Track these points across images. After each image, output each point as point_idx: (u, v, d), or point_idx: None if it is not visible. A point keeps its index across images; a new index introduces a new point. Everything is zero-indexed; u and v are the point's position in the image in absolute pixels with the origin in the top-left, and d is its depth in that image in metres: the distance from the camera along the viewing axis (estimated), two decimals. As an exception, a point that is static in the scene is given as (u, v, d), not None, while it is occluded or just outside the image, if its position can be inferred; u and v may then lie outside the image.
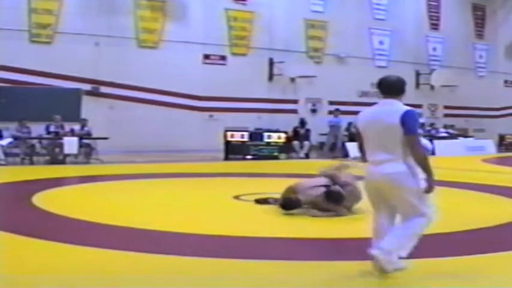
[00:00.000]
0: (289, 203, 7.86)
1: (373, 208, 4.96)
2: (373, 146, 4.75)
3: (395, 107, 4.68)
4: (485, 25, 29.45)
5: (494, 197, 10.03)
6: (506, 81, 30.44)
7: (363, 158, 4.97)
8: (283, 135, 19.33)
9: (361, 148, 4.96)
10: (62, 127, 16.67)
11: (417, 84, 26.51)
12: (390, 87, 4.80)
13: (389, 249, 4.64)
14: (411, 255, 5.10)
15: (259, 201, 8.71)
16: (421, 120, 24.00)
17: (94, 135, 16.91)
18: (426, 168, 4.59)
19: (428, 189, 4.62)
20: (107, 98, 19.60)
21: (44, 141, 16.48)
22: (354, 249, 5.97)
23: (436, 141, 21.06)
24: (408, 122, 4.58)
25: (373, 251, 4.69)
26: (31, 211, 8.08)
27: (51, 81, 18.73)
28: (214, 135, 18.85)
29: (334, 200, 7.76)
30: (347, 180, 8.00)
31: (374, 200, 4.90)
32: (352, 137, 21.05)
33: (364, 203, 8.67)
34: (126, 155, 17.36)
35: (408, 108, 4.68)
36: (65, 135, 16.38)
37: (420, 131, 22.12)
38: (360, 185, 5.22)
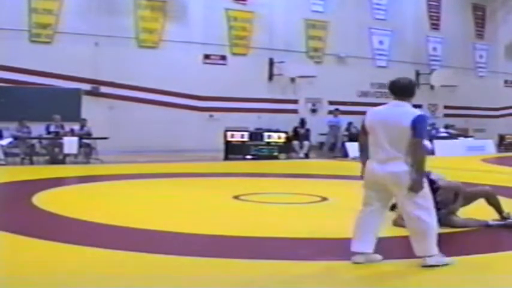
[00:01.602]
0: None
1: (364, 205, 5.20)
2: (379, 145, 4.96)
3: (407, 110, 4.94)
4: (486, 25, 29.44)
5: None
6: (506, 81, 30.44)
7: (363, 155, 5.21)
8: (283, 135, 19.32)
9: (363, 146, 5.19)
10: (62, 127, 16.67)
11: (417, 84, 26.49)
12: (402, 90, 5.04)
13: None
14: (411, 255, 5.11)
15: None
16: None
17: (94, 135, 16.90)
18: (420, 168, 4.88)
19: (413, 186, 4.87)
20: (106, 98, 19.59)
21: (44, 141, 16.47)
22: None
23: (436, 141, 21.04)
24: (419, 126, 4.85)
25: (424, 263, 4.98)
26: (31, 211, 8.08)
27: (51, 81, 18.72)
28: (214, 135, 18.84)
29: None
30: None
31: (369, 196, 5.16)
32: (352, 137, 21.07)
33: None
34: (126, 155, 17.35)
35: (420, 112, 4.98)
36: (65, 135, 16.38)
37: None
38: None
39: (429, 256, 4.94)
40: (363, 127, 5.15)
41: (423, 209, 4.94)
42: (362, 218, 5.21)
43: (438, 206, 5.95)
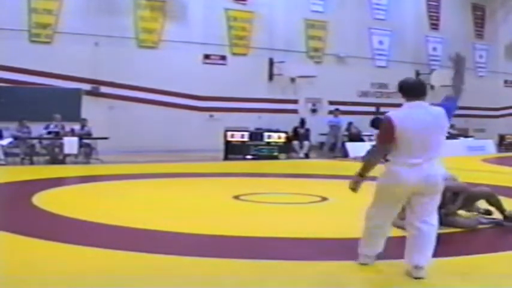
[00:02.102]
0: None
1: (382, 210, 4.89)
2: (414, 149, 4.66)
3: (436, 109, 4.79)
4: (485, 25, 29.44)
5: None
6: (506, 81, 30.43)
7: (377, 160, 4.88)
8: (283, 135, 19.32)
9: (383, 152, 4.83)
10: (63, 127, 16.66)
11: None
12: (421, 89, 4.88)
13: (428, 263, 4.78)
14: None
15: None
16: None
17: (94, 135, 16.90)
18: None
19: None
20: (106, 98, 19.59)
21: (44, 141, 16.47)
22: (354, 249, 5.98)
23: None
24: (449, 121, 4.82)
25: (421, 274, 4.74)
26: (31, 211, 8.08)
27: (51, 81, 18.72)
28: (214, 135, 18.84)
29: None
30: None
31: (391, 202, 4.84)
32: (352, 137, 21.09)
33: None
34: (126, 155, 17.35)
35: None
36: (65, 135, 16.38)
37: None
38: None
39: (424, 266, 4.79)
40: (391, 134, 4.67)
41: (436, 215, 4.86)
42: (378, 234, 5.03)
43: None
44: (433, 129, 4.68)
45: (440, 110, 4.76)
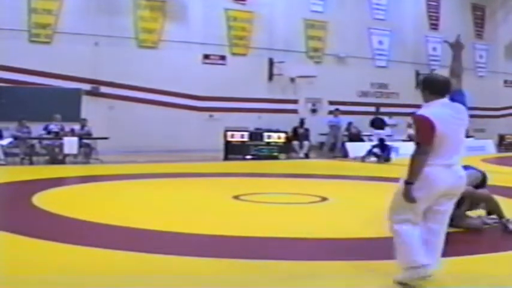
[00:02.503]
0: None
1: (418, 216, 4.49)
2: (451, 149, 4.43)
3: (459, 106, 4.55)
4: (485, 25, 29.45)
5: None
6: (506, 81, 30.44)
7: (423, 164, 4.41)
8: (283, 135, 19.31)
9: (429, 152, 4.38)
10: (62, 127, 16.66)
11: (417, 84, 26.46)
12: (449, 87, 4.58)
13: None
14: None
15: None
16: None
17: (94, 135, 16.90)
18: None
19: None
20: (106, 98, 19.59)
21: (44, 141, 16.47)
22: (354, 249, 5.98)
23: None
24: None
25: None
26: (31, 211, 8.07)
27: (51, 81, 18.72)
28: (214, 135, 18.84)
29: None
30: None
31: (426, 205, 4.49)
32: (352, 137, 21.09)
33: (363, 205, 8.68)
34: (126, 155, 17.35)
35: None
36: (65, 135, 16.38)
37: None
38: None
39: None
40: (432, 133, 4.33)
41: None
42: (415, 235, 4.52)
43: None
44: (462, 128, 4.51)
45: (463, 107, 4.54)
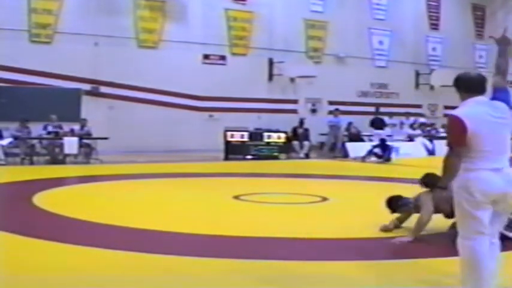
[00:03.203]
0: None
1: (484, 229, 4.06)
2: (495, 150, 4.04)
3: (501, 104, 4.19)
4: (485, 25, 29.43)
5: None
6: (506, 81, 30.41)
7: (455, 173, 4.11)
8: (283, 135, 19.31)
9: (460, 154, 4.07)
10: (60, 127, 16.66)
11: (417, 84, 26.52)
12: (485, 84, 4.26)
13: None
14: (412, 255, 5.11)
15: None
16: (422, 120, 24.03)
17: (94, 135, 16.90)
18: None
19: None
20: (106, 98, 19.59)
21: (44, 141, 16.47)
22: (354, 249, 5.98)
23: (436, 141, 21.05)
24: None
25: None
26: (31, 211, 8.08)
27: (51, 81, 18.72)
28: (214, 135, 18.84)
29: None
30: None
31: (486, 216, 4.07)
32: (352, 137, 21.08)
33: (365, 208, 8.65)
34: (126, 155, 17.35)
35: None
36: (65, 135, 16.38)
37: (419, 131, 22.30)
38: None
39: None
40: (463, 135, 4.02)
41: None
42: (482, 252, 4.07)
43: None
44: (505, 127, 4.13)
45: (505, 106, 4.17)
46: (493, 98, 4.21)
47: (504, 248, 6.25)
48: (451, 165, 4.08)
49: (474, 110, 4.08)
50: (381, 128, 20.60)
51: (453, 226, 6.30)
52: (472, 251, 4.07)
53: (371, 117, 21.68)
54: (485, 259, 4.06)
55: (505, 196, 4.02)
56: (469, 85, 4.22)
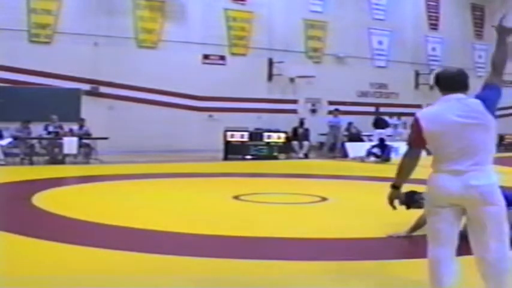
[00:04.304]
0: None
1: (440, 237, 3.77)
2: (457, 152, 3.71)
3: (473, 101, 3.90)
4: (485, 25, 29.44)
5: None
6: (505, 82, 30.43)
7: (407, 174, 3.90)
8: (282, 135, 19.32)
9: (417, 154, 3.90)
10: (61, 127, 16.66)
11: (416, 84, 26.53)
12: (459, 80, 3.99)
13: None
14: (411, 255, 5.11)
15: None
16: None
17: (93, 135, 16.90)
18: None
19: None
20: (106, 98, 19.59)
21: (44, 141, 16.47)
22: (354, 249, 5.98)
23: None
24: (492, 111, 3.99)
25: None
26: (31, 211, 8.08)
27: (51, 81, 18.72)
28: (214, 135, 18.84)
29: None
30: None
31: (444, 224, 3.75)
32: (352, 137, 21.09)
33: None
34: (126, 155, 17.35)
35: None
36: (65, 135, 16.38)
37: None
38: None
39: None
40: (419, 136, 3.81)
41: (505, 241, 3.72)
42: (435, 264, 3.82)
43: None
44: (473, 127, 3.77)
45: (477, 102, 3.86)
46: (477, 96, 3.95)
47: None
48: (404, 164, 3.89)
49: (435, 110, 3.87)
50: (383, 128, 20.58)
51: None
52: (429, 261, 3.84)
53: (371, 117, 21.68)
54: (437, 274, 3.78)
55: (462, 201, 3.67)
56: (444, 82, 3.96)
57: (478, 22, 29.34)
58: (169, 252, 5.64)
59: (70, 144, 15.87)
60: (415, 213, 6.48)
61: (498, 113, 4.21)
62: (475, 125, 3.78)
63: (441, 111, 3.81)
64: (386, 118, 21.94)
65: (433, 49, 27.44)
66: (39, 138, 16.42)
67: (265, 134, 19.17)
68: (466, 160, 3.70)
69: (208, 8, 21.39)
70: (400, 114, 23.08)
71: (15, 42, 18.07)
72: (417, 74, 26.43)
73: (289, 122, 20.93)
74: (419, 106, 26.13)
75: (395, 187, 3.94)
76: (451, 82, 3.94)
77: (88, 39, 18.97)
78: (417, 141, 3.86)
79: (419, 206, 6.55)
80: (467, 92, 3.92)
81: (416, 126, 3.82)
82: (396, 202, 3.96)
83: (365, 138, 21.34)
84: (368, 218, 7.40)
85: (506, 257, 3.68)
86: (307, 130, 20.55)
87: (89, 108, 18.64)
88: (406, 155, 3.91)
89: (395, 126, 22.51)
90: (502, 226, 3.71)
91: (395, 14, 25.76)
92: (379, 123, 20.93)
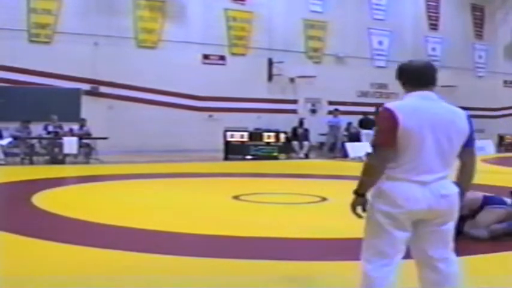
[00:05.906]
0: None
1: (387, 252, 3.31)
2: (427, 158, 3.16)
3: (455, 108, 3.35)
4: (484, 25, 29.47)
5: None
6: (505, 81, 30.45)
7: (378, 176, 3.26)
8: (282, 135, 19.32)
9: (386, 156, 3.18)
10: (61, 127, 16.66)
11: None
12: (431, 75, 3.36)
13: None
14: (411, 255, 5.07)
15: None
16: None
17: (93, 135, 16.90)
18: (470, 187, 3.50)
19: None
20: (106, 98, 19.61)
21: (44, 141, 16.47)
22: (354, 249, 5.98)
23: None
24: (472, 128, 3.42)
25: None
26: (31, 211, 8.08)
27: (51, 81, 18.74)
28: (214, 135, 18.86)
29: None
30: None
31: (396, 239, 3.26)
32: (351, 137, 21.09)
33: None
34: (126, 155, 17.36)
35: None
36: (65, 135, 16.38)
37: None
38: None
39: None
40: (392, 133, 3.13)
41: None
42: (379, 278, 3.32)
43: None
44: (452, 135, 3.24)
45: (463, 111, 3.37)
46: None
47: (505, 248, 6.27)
48: (373, 170, 3.23)
49: (414, 104, 3.21)
50: (370, 129, 20.56)
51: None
52: (365, 277, 3.33)
53: (370, 117, 21.68)
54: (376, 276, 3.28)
55: (427, 215, 3.18)
56: (411, 76, 3.37)
57: (478, 22, 29.35)
58: (169, 252, 5.64)
59: (70, 144, 15.87)
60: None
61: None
62: (455, 133, 3.26)
63: (421, 107, 3.20)
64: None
65: (433, 49, 27.45)
66: (39, 138, 16.42)
67: (265, 134, 19.17)
68: (440, 169, 3.18)
69: (208, 8, 21.41)
70: None
71: (15, 42, 18.08)
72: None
73: (289, 122, 20.93)
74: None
75: (360, 195, 3.35)
76: (418, 76, 3.33)
77: (88, 39, 18.98)
78: (389, 140, 3.14)
79: None
80: (434, 89, 3.33)
81: (389, 120, 3.13)
82: (359, 209, 3.37)
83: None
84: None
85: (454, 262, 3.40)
86: (306, 130, 20.56)
87: (89, 108, 18.65)
88: (374, 158, 3.22)
89: None
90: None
91: (395, 14, 25.77)
92: (366, 124, 20.93)
